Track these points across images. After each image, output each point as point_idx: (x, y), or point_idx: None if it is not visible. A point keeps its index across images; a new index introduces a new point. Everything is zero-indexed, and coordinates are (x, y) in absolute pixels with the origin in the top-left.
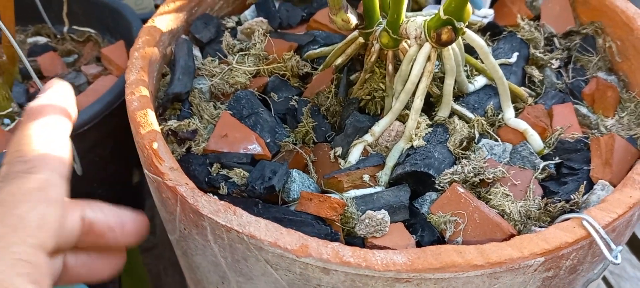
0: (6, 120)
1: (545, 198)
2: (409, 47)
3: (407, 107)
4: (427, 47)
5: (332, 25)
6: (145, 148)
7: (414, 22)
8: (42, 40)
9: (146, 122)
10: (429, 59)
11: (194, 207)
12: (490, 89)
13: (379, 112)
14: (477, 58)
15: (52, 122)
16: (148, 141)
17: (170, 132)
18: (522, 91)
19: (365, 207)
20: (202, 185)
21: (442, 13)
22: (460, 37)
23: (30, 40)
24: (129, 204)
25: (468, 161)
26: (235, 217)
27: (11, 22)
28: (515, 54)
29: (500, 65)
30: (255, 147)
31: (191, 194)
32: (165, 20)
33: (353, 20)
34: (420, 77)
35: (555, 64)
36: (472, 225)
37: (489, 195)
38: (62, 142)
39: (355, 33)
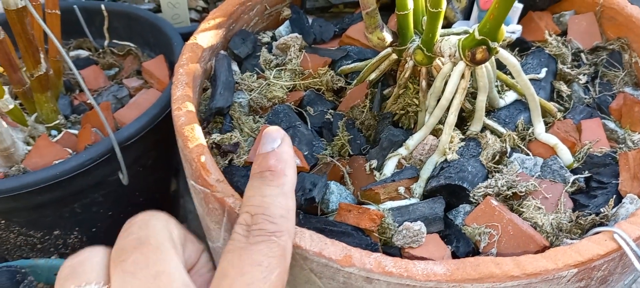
0: (53, 132)
1: (576, 212)
2: (443, 64)
3: (441, 121)
4: (461, 65)
5: (365, 41)
6: (194, 161)
7: (448, 41)
8: (83, 53)
9: (193, 136)
10: (463, 76)
11: None
12: (521, 104)
13: (413, 126)
14: (507, 73)
15: (290, 184)
16: (196, 155)
17: (214, 145)
18: (552, 106)
19: (401, 218)
20: None
21: (476, 33)
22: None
23: (72, 53)
24: (167, 210)
25: (501, 175)
26: None
27: (58, 38)
28: (544, 69)
29: (530, 80)
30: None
31: (238, 205)
32: (206, 37)
33: (388, 38)
34: (454, 94)
35: (583, 79)
36: (505, 236)
37: (522, 207)
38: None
39: (389, 49)
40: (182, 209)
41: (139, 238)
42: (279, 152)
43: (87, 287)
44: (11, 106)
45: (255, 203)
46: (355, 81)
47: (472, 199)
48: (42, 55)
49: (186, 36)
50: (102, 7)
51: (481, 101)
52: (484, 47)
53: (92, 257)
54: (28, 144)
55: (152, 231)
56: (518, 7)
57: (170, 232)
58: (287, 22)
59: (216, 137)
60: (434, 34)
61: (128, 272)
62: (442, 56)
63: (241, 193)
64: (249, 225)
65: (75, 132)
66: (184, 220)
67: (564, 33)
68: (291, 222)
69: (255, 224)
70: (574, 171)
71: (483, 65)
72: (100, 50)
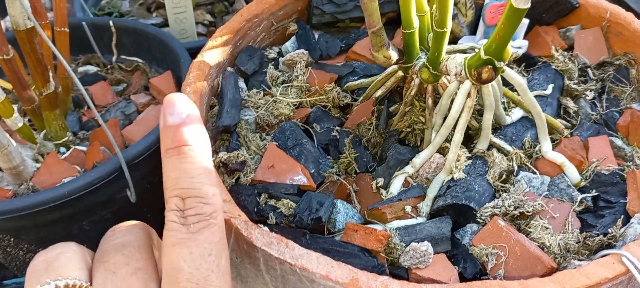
0: (62, 149)
1: (584, 233)
2: (449, 82)
3: (447, 140)
4: (467, 84)
5: (371, 57)
6: None
7: (454, 60)
8: (91, 69)
9: None
10: (469, 95)
11: (247, 239)
12: (527, 121)
13: (419, 143)
14: (513, 90)
15: (209, 153)
16: None
17: (221, 164)
18: (559, 123)
19: (408, 238)
20: (251, 215)
21: (482, 53)
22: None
23: (80, 69)
24: None
25: (508, 194)
26: (288, 249)
27: (67, 56)
28: (551, 85)
29: (536, 96)
30: (301, 178)
31: (245, 227)
32: (213, 55)
33: (394, 56)
34: (461, 113)
35: (590, 95)
36: (513, 257)
37: (529, 227)
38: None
39: (395, 66)
40: None
41: (122, 243)
42: (190, 121)
43: (65, 281)
44: (20, 124)
45: (184, 185)
46: (361, 98)
47: (479, 219)
48: (51, 73)
49: (193, 51)
50: (111, 23)
51: (487, 119)
52: (489, 66)
53: (65, 251)
54: (37, 161)
55: (135, 236)
56: (524, 22)
57: (151, 238)
58: (293, 38)
59: (223, 155)
60: (439, 52)
61: (110, 271)
62: (448, 74)
63: (246, 212)
64: (183, 210)
65: (84, 148)
66: None
67: (570, 48)
68: (219, 195)
69: (190, 208)
70: (581, 190)
71: (489, 83)
72: (109, 66)
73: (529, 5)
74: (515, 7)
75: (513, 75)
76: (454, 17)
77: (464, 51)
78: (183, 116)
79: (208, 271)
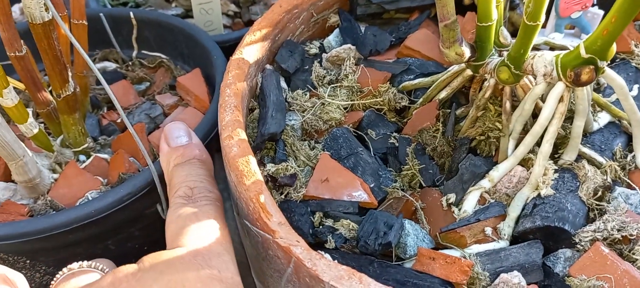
0: (82, 157)
1: None
2: (532, 84)
3: (530, 150)
4: (560, 86)
5: (427, 52)
6: (251, 202)
7: (543, 58)
8: (110, 65)
9: (249, 171)
10: (561, 99)
11: (312, 272)
12: (615, 127)
13: (493, 153)
14: (597, 91)
15: (211, 167)
16: (254, 194)
17: (268, 178)
18: None
19: (491, 266)
20: (307, 237)
21: (583, 51)
22: None
23: (98, 65)
24: None
25: (609, 216)
26: (362, 285)
27: (85, 52)
28: (636, 87)
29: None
30: (360, 194)
31: (308, 257)
32: (252, 51)
33: (467, 53)
34: (551, 120)
35: None
36: None
37: (634, 254)
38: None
39: (461, 64)
40: None
41: None
42: (197, 143)
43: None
44: (36, 130)
45: (193, 179)
46: (420, 100)
47: (578, 246)
48: (69, 73)
49: (220, 45)
50: (131, 14)
51: (578, 127)
52: (591, 66)
53: None
54: (54, 171)
55: None
56: (599, 13)
57: None
58: (336, 31)
59: (271, 168)
60: (526, 50)
61: None
62: (534, 75)
63: (301, 233)
64: (190, 196)
65: (105, 156)
66: None
67: None
68: (220, 198)
69: (197, 194)
70: None
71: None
72: (129, 62)
73: None
74: None
75: (614, 76)
76: (516, 7)
77: (537, 47)
78: (184, 139)
79: (212, 229)
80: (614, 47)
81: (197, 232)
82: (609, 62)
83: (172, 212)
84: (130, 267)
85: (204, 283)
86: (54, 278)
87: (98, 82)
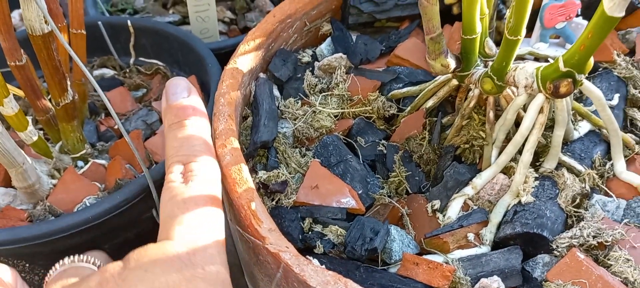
0: (80, 163)
1: None
2: (515, 94)
3: (513, 158)
4: (540, 98)
5: (416, 61)
6: (243, 208)
7: (524, 71)
8: (108, 72)
9: (241, 179)
10: (541, 110)
11: (300, 277)
12: (595, 135)
13: (477, 161)
14: (579, 100)
15: (209, 129)
16: (246, 201)
17: (260, 185)
18: (629, 138)
19: (473, 271)
20: (296, 243)
21: (561, 64)
22: None
23: (96, 72)
24: None
25: (586, 223)
26: None
27: (83, 60)
28: (616, 95)
29: None
30: (349, 201)
31: (296, 262)
32: (246, 61)
33: (452, 64)
34: (531, 130)
35: None
36: None
37: (608, 260)
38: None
39: (448, 74)
40: None
41: None
42: (193, 101)
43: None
44: (35, 138)
45: (185, 152)
46: (408, 108)
47: (555, 252)
48: (68, 82)
49: (216, 52)
50: (129, 23)
51: (558, 136)
52: (569, 79)
53: None
54: (53, 176)
55: None
56: (583, 23)
57: None
58: (328, 40)
59: (262, 175)
60: (508, 62)
61: None
62: (516, 86)
63: (290, 239)
64: (183, 174)
65: (103, 162)
66: None
67: (631, 52)
68: (218, 166)
69: (190, 171)
70: None
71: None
72: (126, 68)
73: (623, 13)
74: (608, 15)
75: (592, 88)
76: (503, 17)
77: (521, 57)
78: (185, 96)
79: (210, 216)
80: (591, 61)
81: (185, 223)
82: (586, 74)
83: (165, 192)
84: (116, 265)
85: (188, 281)
86: (48, 274)
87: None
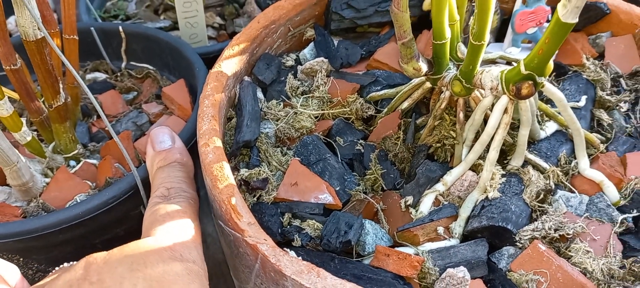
0: (72, 162)
1: (631, 259)
2: (482, 96)
3: (481, 157)
4: (504, 99)
5: (394, 65)
6: (224, 203)
7: (490, 74)
8: (100, 76)
9: (223, 175)
10: (505, 111)
11: (276, 266)
12: (561, 135)
13: (449, 159)
14: (546, 102)
15: (191, 170)
16: (226, 196)
17: (242, 182)
18: (594, 138)
19: (441, 262)
20: (276, 236)
21: (522, 68)
22: None
23: (89, 76)
24: None
25: (548, 216)
26: (320, 279)
27: (76, 65)
28: (584, 97)
29: None
30: (326, 197)
31: (273, 253)
32: (230, 64)
33: (424, 68)
34: (497, 129)
35: (624, 106)
36: (554, 284)
37: (569, 251)
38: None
39: (422, 77)
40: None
41: None
42: (179, 147)
43: None
44: (29, 138)
45: (171, 181)
46: (385, 110)
47: (518, 243)
48: (61, 85)
49: (205, 56)
50: (120, 28)
51: (523, 135)
52: (530, 82)
53: None
54: (46, 175)
55: None
56: None
57: None
58: (311, 45)
59: (244, 172)
60: (474, 66)
61: None
62: (482, 88)
63: (270, 233)
64: (166, 196)
65: (94, 161)
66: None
67: (600, 56)
68: (196, 196)
69: (173, 194)
70: (620, 209)
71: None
72: (118, 72)
73: (577, 20)
74: (562, 21)
75: (553, 90)
76: None
77: (493, 61)
78: (168, 143)
79: (185, 224)
80: (551, 64)
81: (167, 224)
82: (547, 77)
83: (149, 208)
84: (102, 253)
85: (165, 263)
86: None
87: (90, 92)
